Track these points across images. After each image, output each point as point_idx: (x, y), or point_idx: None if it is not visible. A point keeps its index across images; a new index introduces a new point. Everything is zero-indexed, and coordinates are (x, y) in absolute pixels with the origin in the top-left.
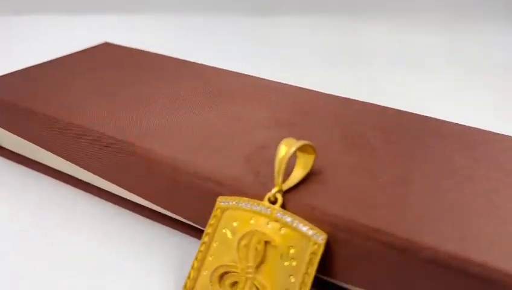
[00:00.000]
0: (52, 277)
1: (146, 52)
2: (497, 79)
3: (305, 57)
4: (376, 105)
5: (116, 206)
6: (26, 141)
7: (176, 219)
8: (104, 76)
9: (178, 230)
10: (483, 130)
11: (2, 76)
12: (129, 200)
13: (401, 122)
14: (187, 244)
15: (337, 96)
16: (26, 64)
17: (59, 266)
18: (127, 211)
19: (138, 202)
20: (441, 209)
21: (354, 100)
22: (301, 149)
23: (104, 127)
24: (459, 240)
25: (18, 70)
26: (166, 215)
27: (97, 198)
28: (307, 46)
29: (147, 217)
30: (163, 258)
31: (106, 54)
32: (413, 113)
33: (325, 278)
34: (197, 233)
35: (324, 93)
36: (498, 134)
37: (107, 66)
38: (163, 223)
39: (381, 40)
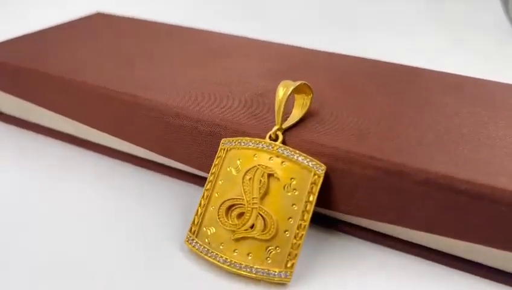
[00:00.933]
0: (63, 230)
1: (140, 20)
2: (481, 39)
3: (296, 21)
4: (367, 59)
5: (121, 162)
6: (28, 102)
7: (180, 169)
8: (101, 40)
9: (182, 180)
10: (470, 76)
11: (1, 42)
12: (133, 155)
13: (392, 71)
14: (192, 192)
15: (328, 51)
16: (17, 34)
17: (70, 219)
18: (131, 165)
19: (142, 156)
20: (431, 138)
21: (344, 55)
22: (298, 90)
23: (106, 82)
24: (448, 163)
25: (16, 37)
26: (170, 166)
27: (101, 155)
28: (297, 10)
29: (151, 169)
30: (170, 204)
31: (100, 22)
32: (403, 65)
33: (324, 212)
34: (201, 181)
35: (315, 50)
36: (482, 79)
37: (103, 32)
38: (167, 174)
39: (372, 3)
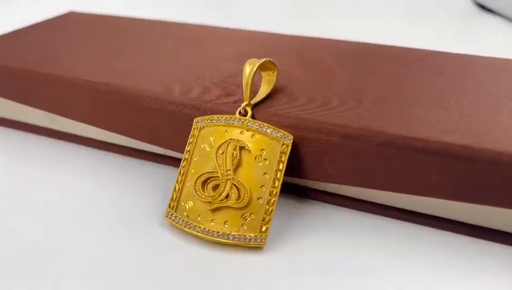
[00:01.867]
0: (50, 216)
1: (111, 16)
2: (444, 16)
3: (266, 11)
4: (332, 39)
5: (100, 150)
6: (6, 100)
7: (157, 153)
8: (75, 37)
9: (159, 162)
10: (426, 49)
11: None
12: (111, 143)
13: (353, 49)
14: (169, 173)
15: (294, 35)
16: None
17: (57, 207)
18: (110, 153)
19: (121, 143)
20: (388, 104)
21: (311, 37)
22: (264, 67)
23: (81, 73)
24: (404, 125)
25: None
26: (147, 151)
27: (80, 145)
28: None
29: (129, 155)
30: (149, 186)
31: (74, 20)
32: (365, 43)
33: (295, 182)
34: (177, 162)
35: (283, 34)
36: (436, 51)
37: (76, 29)
38: (145, 159)
39: None
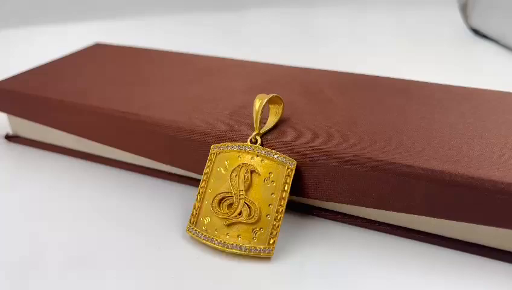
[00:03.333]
0: (77, 233)
1: (136, 48)
2: (442, 47)
3: (271, 42)
4: (332, 71)
5: (127, 171)
6: (41, 125)
7: (178, 174)
8: (102, 68)
9: (180, 183)
10: (415, 80)
11: (16, 75)
12: (137, 165)
13: (354, 81)
14: (189, 192)
15: (300, 67)
16: (24, 68)
17: (84, 223)
18: (136, 174)
19: (145, 165)
20: (380, 133)
21: (314, 69)
22: (272, 101)
23: (111, 103)
24: (392, 152)
25: (26, 71)
26: (169, 172)
27: (109, 166)
28: (272, 33)
29: (154, 175)
30: (171, 204)
31: (100, 52)
32: (362, 74)
33: (299, 201)
34: (196, 182)
35: (288, 66)
36: (425, 82)
37: (103, 60)
38: (168, 179)
39: (336, 23)
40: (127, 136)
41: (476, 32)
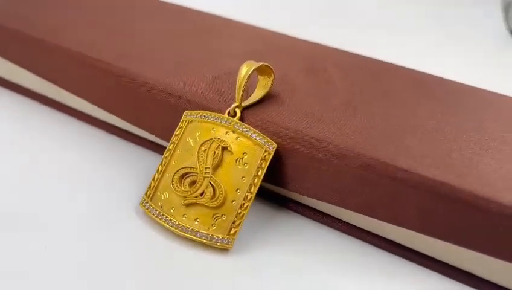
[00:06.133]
0: (27, 184)
1: None
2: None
3: (289, 10)
4: (343, 50)
5: (91, 126)
6: (9, 62)
7: (144, 137)
8: (81, 4)
9: (145, 147)
10: (434, 75)
11: None
12: (102, 120)
13: (365, 64)
14: (153, 159)
15: (308, 41)
16: None
17: (35, 174)
18: (100, 130)
19: (111, 123)
20: (379, 128)
21: (324, 45)
22: (261, 71)
23: (84, 48)
24: (390, 152)
25: None
26: (135, 134)
27: (72, 117)
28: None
29: (118, 135)
30: (132, 169)
31: None
32: (375, 59)
33: (273, 189)
34: (163, 150)
35: (294, 37)
36: (445, 78)
37: None
38: (132, 141)
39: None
40: (97, 87)
41: None
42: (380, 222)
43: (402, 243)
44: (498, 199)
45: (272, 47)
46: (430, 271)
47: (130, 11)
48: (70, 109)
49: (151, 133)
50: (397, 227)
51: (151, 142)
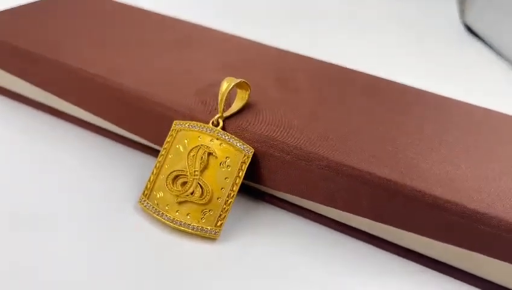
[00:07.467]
0: (29, 187)
1: (119, 2)
2: (434, 42)
3: (261, 17)
4: (312, 58)
5: (90, 132)
6: (9, 74)
7: (139, 142)
8: (76, 20)
9: (140, 151)
10: (396, 82)
11: None
12: (101, 127)
13: (330, 72)
14: (148, 162)
15: (278, 48)
16: None
17: (37, 178)
18: (99, 136)
19: (109, 129)
20: (341, 132)
21: (292, 52)
22: (239, 85)
23: (81, 63)
24: (345, 153)
25: None
26: (131, 139)
27: (72, 124)
28: (264, 7)
29: (116, 140)
30: (129, 171)
31: (78, 0)
32: (336, 65)
33: (253, 185)
34: (155, 153)
35: (267, 46)
36: (397, 82)
37: (80, 10)
38: (128, 145)
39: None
40: (94, 99)
41: (469, 29)
42: (340, 211)
43: (361, 228)
44: (432, 192)
45: (247, 57)
46: (391, 254)
47: (116, 22)
48: (71, 117)
49: (146, 139)
50: (354, 215)
51: (147, 146)
